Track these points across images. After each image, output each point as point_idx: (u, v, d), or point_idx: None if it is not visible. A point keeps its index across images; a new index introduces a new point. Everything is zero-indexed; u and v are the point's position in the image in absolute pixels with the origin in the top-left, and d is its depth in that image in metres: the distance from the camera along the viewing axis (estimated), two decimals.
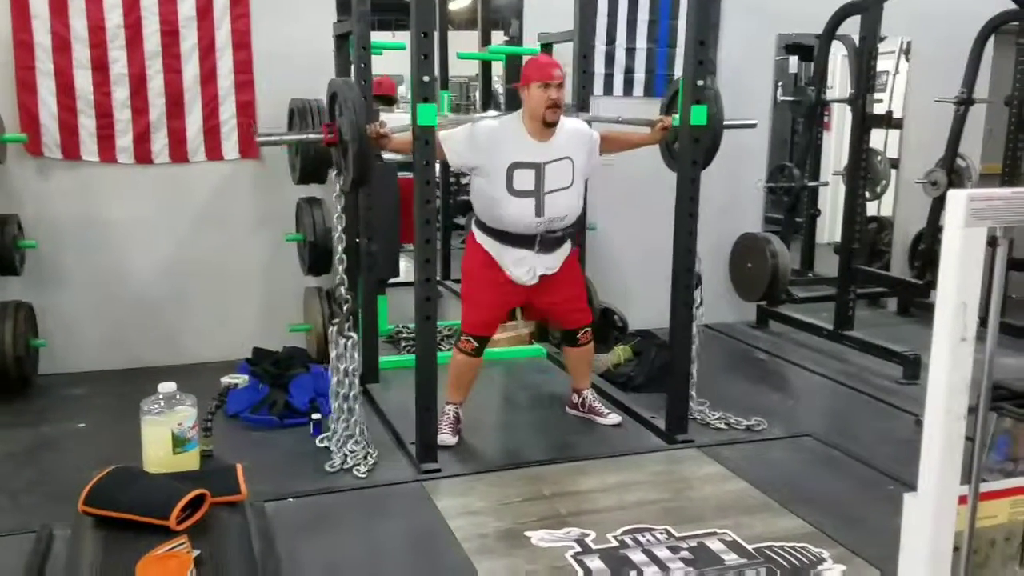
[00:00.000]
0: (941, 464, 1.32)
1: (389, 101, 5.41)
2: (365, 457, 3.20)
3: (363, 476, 3.10)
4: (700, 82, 3.24)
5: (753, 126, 4.05)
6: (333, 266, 3.63)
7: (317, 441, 3.35)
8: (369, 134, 3.06)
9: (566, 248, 3.48)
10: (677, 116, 3.40)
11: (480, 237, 3.39)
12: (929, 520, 1.35)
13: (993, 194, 1.27)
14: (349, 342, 3.21)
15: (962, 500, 1.42)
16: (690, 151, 3.31)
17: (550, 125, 3.25)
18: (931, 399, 1.31)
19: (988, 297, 1.35)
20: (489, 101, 5.49)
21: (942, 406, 1.30)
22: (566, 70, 3.36)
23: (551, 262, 3.41)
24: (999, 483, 1.51)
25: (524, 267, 3.35)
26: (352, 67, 3.81)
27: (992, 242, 1.30)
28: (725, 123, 3.67)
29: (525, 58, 3.53)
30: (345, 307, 3.25)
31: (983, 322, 1.37)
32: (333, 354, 3.22)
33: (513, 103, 4.44)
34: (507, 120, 3.34)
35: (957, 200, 1.24)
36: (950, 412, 1.30)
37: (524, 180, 3.25)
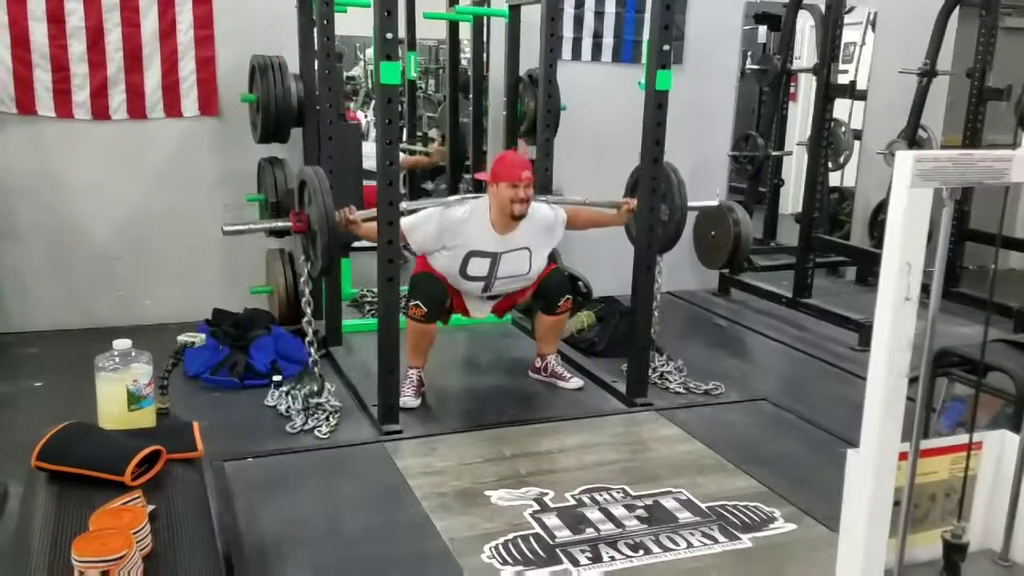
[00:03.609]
0: (882, 421, 1.36)
1: None
2: (327, 418, 3.21)
3: (324, 437, 3.11)
4: (665, 47, 3.24)
5: (716, 207, 4.25)
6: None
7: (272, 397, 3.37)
8: (338, 222, 3.11)
9: None
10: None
11: None
12: (870, 475, 1.39)
13: (940, 156, 1.29)
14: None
15: (903, 456, 1.46)
16: (654, 115, 3.31)
17: (518, 219, 3.35)
18: (874, 357, 1.34)
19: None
20: (457, 63, 5.43)
21: (884, 364, 1.33)
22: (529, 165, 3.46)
23: (497, 299, 3.64)
24: (939, 440, 1.56)
25: (472, 306, 3.60)
26: (315, 25, 3.74)
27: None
28: (688, 206, 3.79)
29: (494, 159, 3.63)
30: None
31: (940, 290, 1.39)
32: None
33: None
34: (474, 210, 3.41)
35: (904, 161, 1.26)
36: (892, 370, 1.33)
37: (478, 267, 3.41)
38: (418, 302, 3.39)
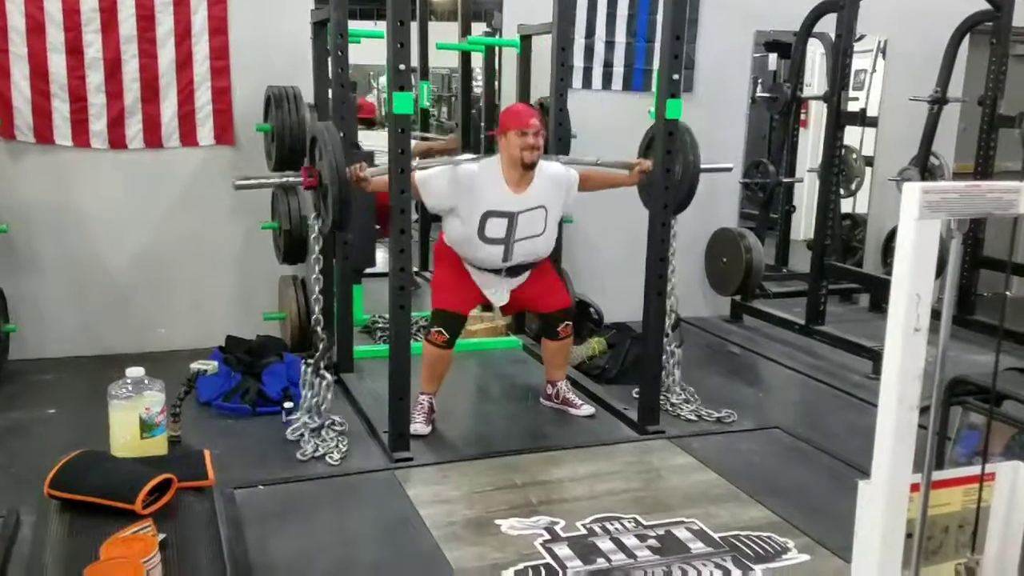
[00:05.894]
0: (893, 452, 1.35)
1: (370, 124, 5.41)
2: (337, 446, 3.21)
3: (335, 464, 3.11)
4: (675, 76, 3.26)
5: (728, 170, 4.20)
6: (308, 256, 3.65)
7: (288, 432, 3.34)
8: (349, 177, 3.11)
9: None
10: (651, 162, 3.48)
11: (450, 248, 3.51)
12: (881, 507, 1.38)
13: (947, 187, 1.30)
14: (323, 383, 3.30)
15: (915, 488, 1.45)
16: (664, 144, 3.33)
17: (529, 167, 3.32)
18: (884, 388, 1.34)
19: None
20: (469, 92, 5.49)
21: (895, 395, 1.32)
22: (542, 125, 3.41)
23: (517, 283, 3.55)
24: (952, 471, 1.54)
25: (491, 289, 3.52)
26: (329, 55, 3.79)
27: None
28: (702, 168, 3.72)
29: (502, 109, 3.60)
30: (321, 346, 3.32)
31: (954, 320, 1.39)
32: (307, 393, 3.32)
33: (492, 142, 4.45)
34: (486, 165, 3.39)
35: (912, 193, 1.27)
36: (902, 401, 1.33)
37: (496, 228, 3.35)
38: (440, 328, 3.40)
